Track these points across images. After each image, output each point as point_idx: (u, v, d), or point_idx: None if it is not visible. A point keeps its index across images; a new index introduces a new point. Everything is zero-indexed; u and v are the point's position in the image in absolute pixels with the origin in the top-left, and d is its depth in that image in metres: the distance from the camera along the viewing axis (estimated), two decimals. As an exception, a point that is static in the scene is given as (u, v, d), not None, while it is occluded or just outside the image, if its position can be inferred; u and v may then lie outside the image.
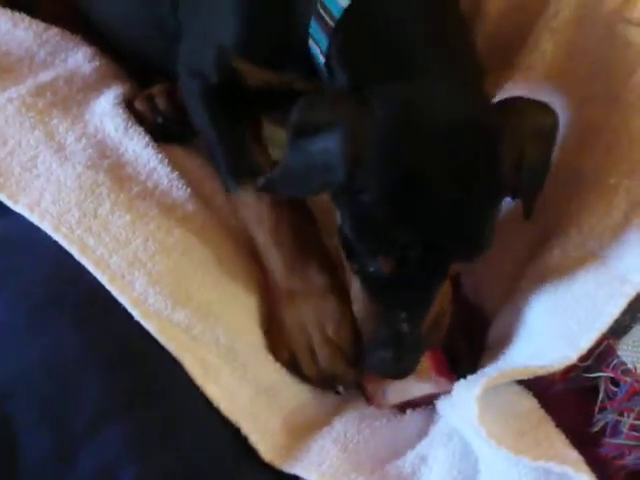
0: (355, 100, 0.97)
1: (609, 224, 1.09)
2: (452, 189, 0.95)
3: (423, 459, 1.04)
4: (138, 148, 1.19)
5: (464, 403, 1.01)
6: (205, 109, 1.18)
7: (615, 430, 1.02)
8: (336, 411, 1.11)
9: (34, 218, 1.09)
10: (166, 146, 1.22)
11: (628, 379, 1.03)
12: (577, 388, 1.06)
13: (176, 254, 1.09)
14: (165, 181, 1.17)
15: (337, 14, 1.03)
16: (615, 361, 1.04)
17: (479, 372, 1.06)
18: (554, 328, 1.05)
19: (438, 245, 0.97)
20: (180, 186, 1.17)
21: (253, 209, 1.13)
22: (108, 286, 1.04)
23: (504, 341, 1.10)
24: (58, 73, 1.28)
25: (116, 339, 1.03)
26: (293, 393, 1.10)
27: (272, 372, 1.10)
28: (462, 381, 1.05)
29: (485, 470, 1.00)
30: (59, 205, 1.10)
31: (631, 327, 1.04)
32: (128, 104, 1.27)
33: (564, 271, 1.10)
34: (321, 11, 1.04)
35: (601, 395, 1.04)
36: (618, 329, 1.04)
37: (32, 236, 1.09)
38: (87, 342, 1.02)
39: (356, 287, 1.07)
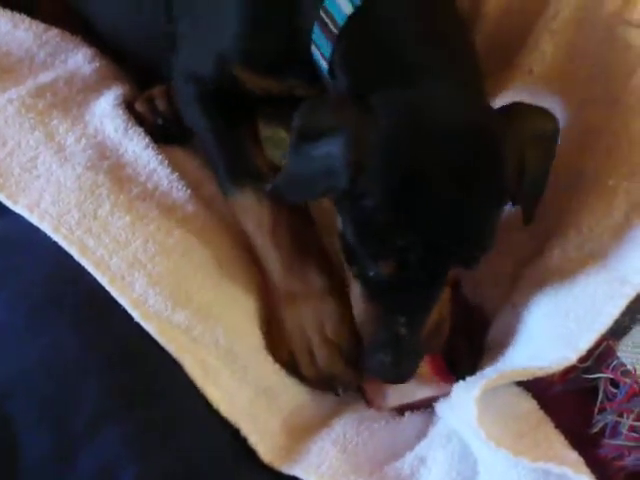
0: (358, 106, 0.98)
1: (608, 225, 1.10)
2: (453, 194, 0.95)
3: (422, 460, 1.04)
4: (138, 149, 1.19)
5: (463, 405, 1.01)
6: (201, 114, 1.18)
7: (614, 431, 1.03)
8: (335, 413, 1.11)
9: (34, 219, 1.09)
10: (166, 147, 1.22)
11: (628, 380, 1.03)
12: (577, 389, 1.06)
13: (176, 255, 1.09)
14: (165, 182, 1.17)
15: (341, 21, 1.03)
16: (615, 362, 1.04)
17: (478, 374, 1.06)
18: (554, 329, 1.05)
19: (438, 249, 0.97)
20: (180, 187, 1.17)
21: (252, 212, 1.13)
22: (108, 287, 1.04)
23: (503, 342, 1.10)
24: (58, 74, 1.28)
25: (116, 339, 1.03)
26: (292, 395, 1.10)
27: (272, 374, 1.10)
28: (461, 383, 1.05)
29: (484, 471, 1.00)
30: (59, 206, 1.10)
31: (631, 328, 1.04)
32: (128, 105, 1.27)
33: (564, 273, 1.10)
34: (324, 18, 1.04)
35: (600, 396, 1.04)
36: (618, 330, 1.04)
37: (32, 236, 1.09)
38: (87, 342, 1.02)
39: (356, 291, 1.07)
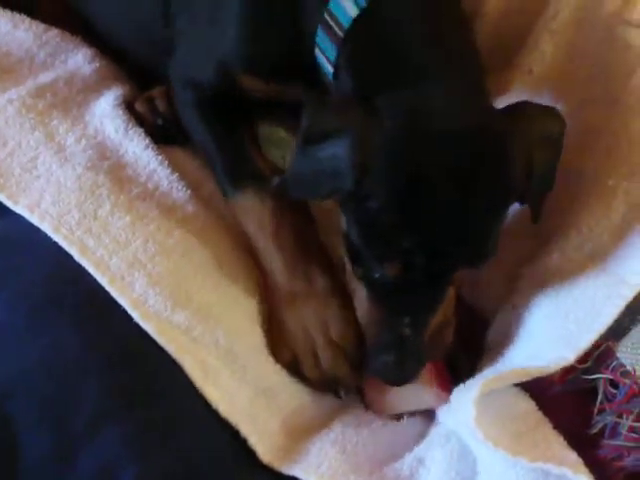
0: (363, 108, 0.98)
1: (608, 226, 1.10)
2: (458, 196, 0.95)
3: (421, 461, 1.04)
4: (138, 150, 1.19)
5: (461, 406, 1.01)
6: (200, 119, 1.18)
7: (614, 432, 1.03)
8: (335, 413, 1.11)
9: (34, 219, 1.09)
10: (166, 148, 1.22)
11: (627, 381, 1.03)
12: (576, 390, 1.06)
13: (176, 255, 1.09)
14: (165, 183, 1.17)
15: (346, 24, 1.03)
16: (614, 363, 1.04)
17: (477, 376, 1.06)
18: (554, 330, 1.06)
19: (444, 251, 0.97)
20: (180, 188, 1.17)
21: (253, 213, 1.13)
22: (108, 287, 1.04)
23: (503, 343, 1.10)
24: (58, 74, 1.28)
25: (116, 339, 1.03)
26: (292, 395, 1.10)
27: (272, 374, 1.10)
28: (460, 386, 1.05)
29: (483, 471, 1.00)
30: (59, 206, 1.10)
31: (630, 329, 1.05)
32: (128, 106, 1.26)
33: (564, 274, 1.10)
34: (329, 21, 1.04)
35: (600, 397, 1.04)
36: (617, 331, 1.04)
37: (32, 237, 1.09)
38: (87, 342, 1.02)
39: (360, 293, 1.07)
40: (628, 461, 1.01)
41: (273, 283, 1.13)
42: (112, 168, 1.16)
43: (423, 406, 1.12)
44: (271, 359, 1.10)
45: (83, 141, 1.18)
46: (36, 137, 1.17)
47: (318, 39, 1.06)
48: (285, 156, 1.25)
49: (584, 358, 1.03)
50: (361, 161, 0.95)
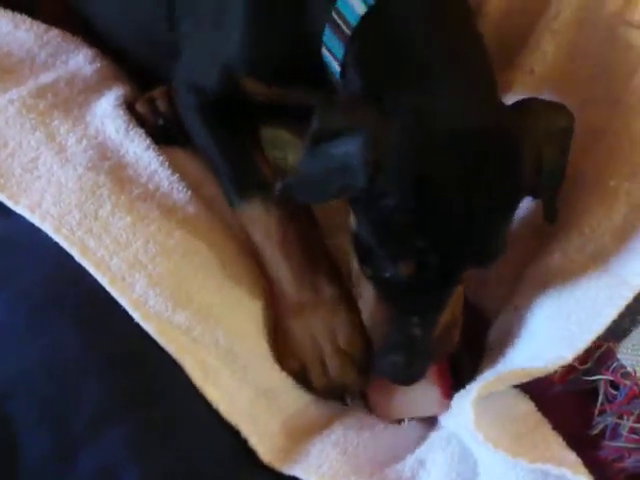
0: (375, 106, 0.97)
1: (609, 227, 1.10)
2: (471, 194, 0.96)
3: (422, 463, 1.04)
4: (139, 150, 1.19)
5: (461, 408, 1.01)
6: (204, 125, 1.18)
7: (614, 433, 1.03)
8: (336, 415, 1.11)
9: (35, 219, 1.09)
10: (167, 148, 1.22)
11: (628, 382, 1.03)
12: (577, 391, 1.06)
13: (177, 256, 1.09)
14: (166, 183, 1.16)
15: (354, 21, 1.02)
16: (615, 364, 1.04)
17: (478, 378, 1.06)
18: (555, 332, 1.06)
19: (457, 250, 0.98)
20: (181, 188, 1.16)
21: (260, 223, 1.13)
22: (109, 288, 1.04)
23: (504, 343, 1.10)
24: (59, 75, 1.28)
25: (116, 340, 1.03)
26: (293, 396, 1.10)
27: (272, 374, 1.09)
28: (461, 390, 1.05)
29: (483, 473, 1.00)
30: (60, 206, 1.10)
31: (631, 330, 1.04)
32: (129, 106, 1.26)
33: (566, 275, 1.10)
34: (337, 19, 1.04)
35: (601, 398, 1.04)
36: (618, 332, 1.04)
37: (33, 237, 1.09)
38: (87, 343, 1.02)
39: (367, 293, 1.07)
40: (629, 462, 1.01)
41: (280, 292, 1.12)
42: (113, 169, 1.16)
43: (427, 413, 1.12)
44: (271, 360, 1.10)
45: (84, 141, 1.18)
46: (37, 137, 1.17)
47: (325, 38, 1.05)
48: (287, 158, 1.26)
49: (584, 359, 1.03)
50: (374, 159, 0.95)
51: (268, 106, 1.17)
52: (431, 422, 1.12)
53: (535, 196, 1.05)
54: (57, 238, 1.07)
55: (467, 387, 1.04)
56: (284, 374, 1.10)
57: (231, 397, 1.04)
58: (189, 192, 1.17)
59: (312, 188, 1.02)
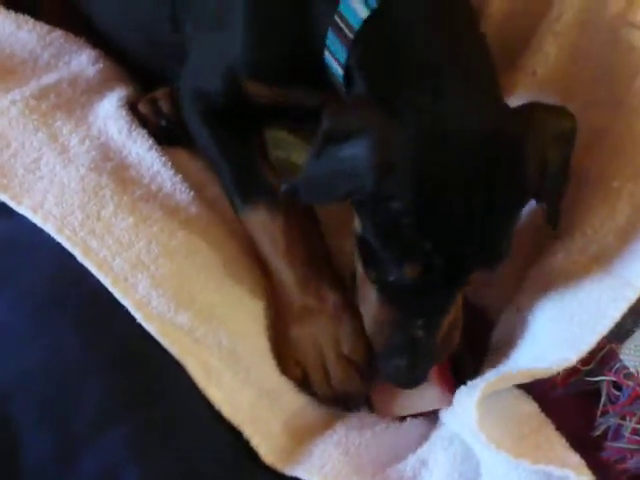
0: (382, 110, 0.97)
1: (612, 228, 1.10)
2: (478, 197, 0.96)
3: (424, 463, 1.04)
4: (141, 151, 1.19)
5: (464, 408, 1.01)
6: (209, 131, 1.18)
7: (617, 434, 1.03)
8: (338, 415, 1.11)
9: (37, 220, 1.09)
10: (169, 149, 1.22)
11: (630, 383, 1.03)
12: (579, 392, 1.06)
13: (179, 257, 1.09)
14: (168, 184, 1.16)
15: (356, 25, 1.02)
16: (617, 365, 1.04)
17: (480, 378, 1.06)
18: (558, 333, 1.06)
19: (463, 253, 0.98)
20: (183, 189, 1.16)
21: (265, 230, 1.13)
22: (111, 288, 1.04)
23: (506, 345, 1.10)
24: (62, 75, 1.28)
25: (118, 340, 1.03)
26: (295, 397, 1.10)
27: (275, 375, 1.09)
28: (462, 387, 1.05)
29: (486, 474, 1.00)
30: (62, 207, 1.10)
31: (633, 331, 1.04)
32: (131, 107, 1.26)
33: (569, 276, 1.10)
34: (339, 22, 1.03)
35: (603, 399, 1.04)
36: (620, 333, 1.04)
37: (35, 237, 1.09)
38: (89, 343, 1.02)
39: (371, 295, 1.06)
40: (631, 463, 1.01)
41: (284, 299, 1.12)
42: (115, 169, 1.16)
43: (428, 407, 1.12)
44: (275, 361, 1.10)
45: (87, 142, 1.18)
46: (39, 138, 1.17)
47: (328, 41, 1.05)
48: (290, 157, 1.26)
49: (587, 360, 1.03)
50: (382, 161, 0.94)
51: (271, 109, 1.17)
52: (432, 421, 1.11)
53: (538, 199, 1.05)
54: (59, 239, 1.07)
55: (469, 385, 1.04)
56: None
57: (233, 398, 1.04)
58: (192, 193, 1.17)
59: (318, 190, 1.02)
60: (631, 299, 1.02)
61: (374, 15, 1.02)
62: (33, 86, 1.25)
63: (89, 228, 1.08)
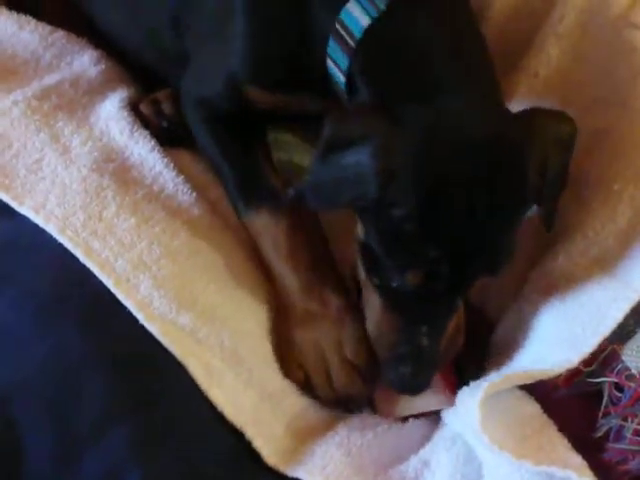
0: (385, 117, 0.97)
1: (613, 230, 1.10)
2: (481, 205, 0.96)
3: (426, 464, 1.04)
4: (143, 152, 1.19)
5: (466, 409, 1.01)
6: (212, 136, 1.18)
7: (619, 435, 1.03)
8: (340, 416, 1.11)
9: (39, 220, 1.09)
10: (171, 150, 1.22)
11: (632, 384, 1.03)
12: (581, 393, 1.06)
13: (181, 258, 1.09)
14: (170, 185, 1.17)
15: (358, 33, 1.02)
16: (619, 366, 1.04)
17: (482, 379, 1.06)
18: (560, 334, 1.06)
19: (467, 260, 0.97)
20: (185, 190, 1.17)
21: (268, 234, 1.13)
22: (113, 289, 1.04)
23: (508, 346, 1.10)
24: (64, 76, 1.28)
25: (120, 341, 1.04)
26: (297, 398, 1.10)
27: (277, 378, 1.09)
28: (465, 388, 1.05)
29: (488, 475, 1.00)
30: (64, 208, 1.10)
31: (635, 332, 1.04)
32: (133, 108, 1.26)
33: (571, 278, 1.10)
34: (340, 31, 1.03)
35: (605, 400, 1.04)
36: (622, 334, 1.04)
37: (37, 238, 1.09)
38: (91, 344, 1.02)
39: (374, 302, 1.06)
40: (633, 464, 1.01)
41: (287, 303, 1.12)
42: (117, 170, 1.16)
43: (431, 408, 1.12)
44: (277, 364, 1.10)
45: (89, 143, 1.19)
46: (41, 139, 1.17)
47: (330, 49, 1.05)
48: (292, 159, 1.26)
49: (589, 361, 1.03)
50: (386, 167, 0.94)
51: (273, 114, 1.17)
52: (435, 422, 1.11)
53: (539, 204, 1.05)
54: (61, 239, 1.07)
55: (471, 386, 1.04)
56: None
57: (236, 399, 1.04)
58: (194, 194, 1.17)
59: (322, 197, 1.02)
60: (633, 300, 1.02)
61: (375, 23, 1.02)
62: (35, 87, 1.25)
63: (91, 229, 1.08)
